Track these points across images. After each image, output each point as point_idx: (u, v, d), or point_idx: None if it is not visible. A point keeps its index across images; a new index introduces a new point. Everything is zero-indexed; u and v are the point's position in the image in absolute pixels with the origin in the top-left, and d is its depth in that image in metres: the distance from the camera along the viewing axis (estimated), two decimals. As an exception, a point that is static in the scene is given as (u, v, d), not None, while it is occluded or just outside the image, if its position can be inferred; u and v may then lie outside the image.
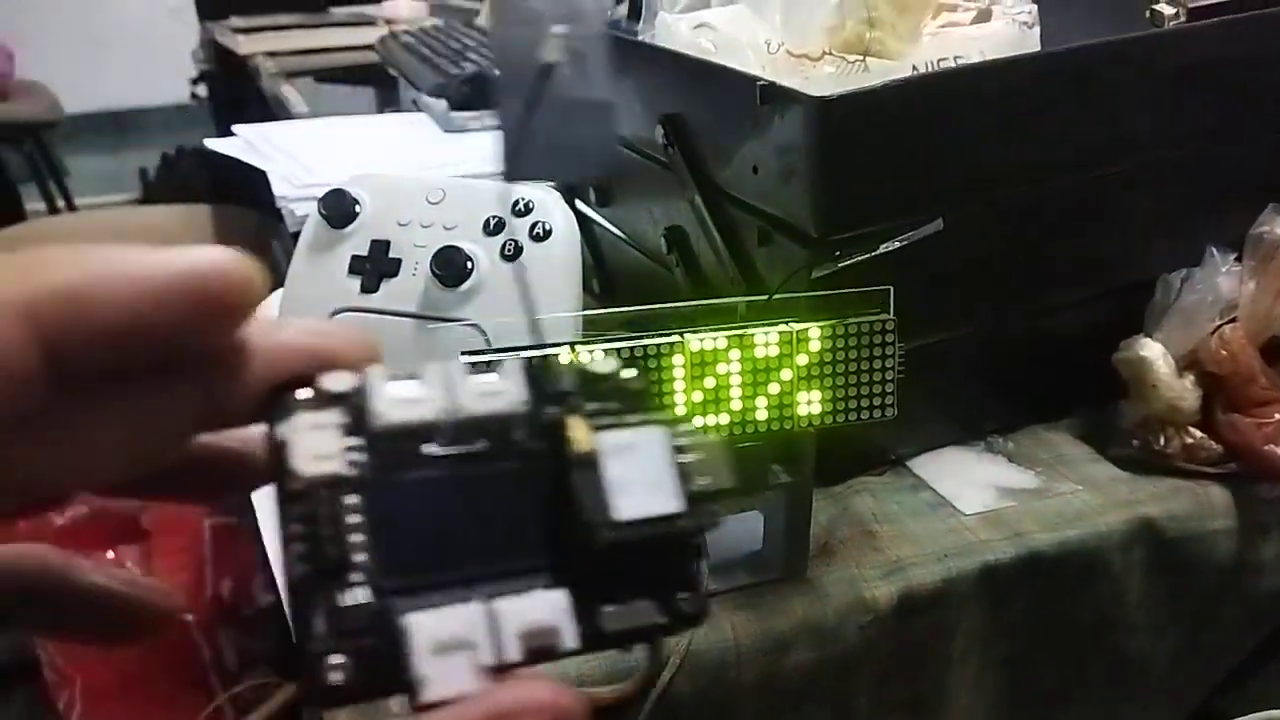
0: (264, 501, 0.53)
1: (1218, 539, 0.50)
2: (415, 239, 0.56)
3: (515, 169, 0.24)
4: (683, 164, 0.52)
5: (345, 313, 0.55)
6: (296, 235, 0.59)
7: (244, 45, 1.60)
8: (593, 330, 0.49)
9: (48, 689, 1.03)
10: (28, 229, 1.91)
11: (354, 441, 0.19)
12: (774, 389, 0.39)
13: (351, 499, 0.19)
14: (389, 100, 1.41)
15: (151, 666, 1.06)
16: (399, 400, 0.20)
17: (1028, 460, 0.53)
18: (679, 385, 0.38)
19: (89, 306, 0.17)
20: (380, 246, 0.56)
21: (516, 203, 0.56)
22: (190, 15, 2.14)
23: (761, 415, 0.39)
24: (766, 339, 0.38)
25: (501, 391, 0.20)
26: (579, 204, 0.70)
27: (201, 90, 2.41)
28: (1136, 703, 0.55)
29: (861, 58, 0.49)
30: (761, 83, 0.42)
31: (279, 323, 0.20)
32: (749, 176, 0.46)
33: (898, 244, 0.38)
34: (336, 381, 0.20)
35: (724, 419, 0.39)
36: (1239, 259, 0.52)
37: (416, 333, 0.54)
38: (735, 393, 0.38)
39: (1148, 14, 0.52)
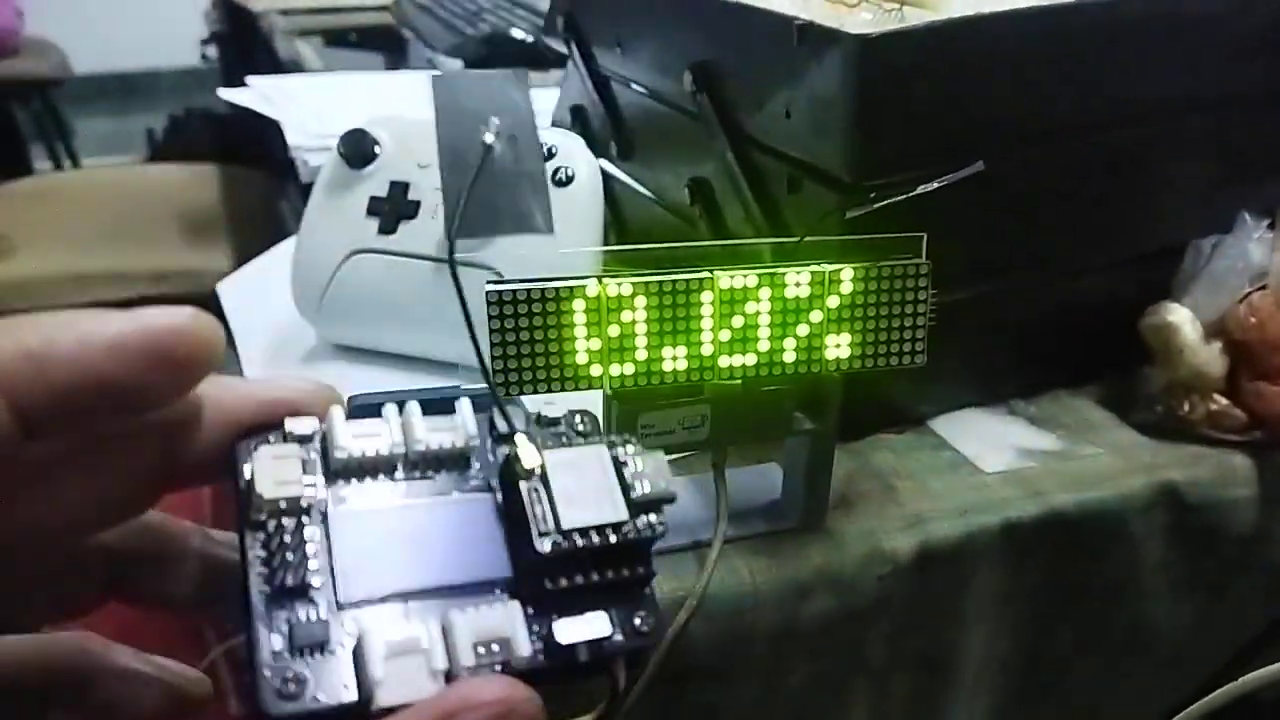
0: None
1: (1239, 507, 0.50)
2: (435, 181, 0.55)
3: (459, 229, 0.29)
4: (712, 112, 0.51)
5: (362, 253, 0.55)
6: (308, 189, 0.59)
7: (257, 1, 1.58)
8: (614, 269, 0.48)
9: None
10: (36, 183, 1.91)
11: (315, 477, 0.21)
12: (803, 330, 0.38)
13: (311, 526, 0.20)
14: (400, 63, 1.40)
15: (150, 621, 1.06)
16: (358, 435, 0.21)
17: (1050, 424, 0.52)
18: (706, 324, 0.37)
19: (51, 365, 0.18)
20: (399, 188, 0.55)
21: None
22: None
23: (789, 357, 0.38)
24: (798, 279, 0.37)
25: (456, 428, 0.22)
26: (599, 160, 0.69)
27: (212, 51, 2.40)
28: (1148, 669, 0.55)
29: (899, 5, 0.48)
30: (799, 22, 0.42)
31: (243, 380, 0.22)
32: (781, 122, 0.46)
33: (937, 184, 0.37)
34: (299, 425, 0.22)
35: (750, 359, 0.38)
36: (1271, 226, 0.52)
37: (434, 275, 0.53)
38: (764, 333, 0.38)
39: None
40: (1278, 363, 0.51)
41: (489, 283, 0.36)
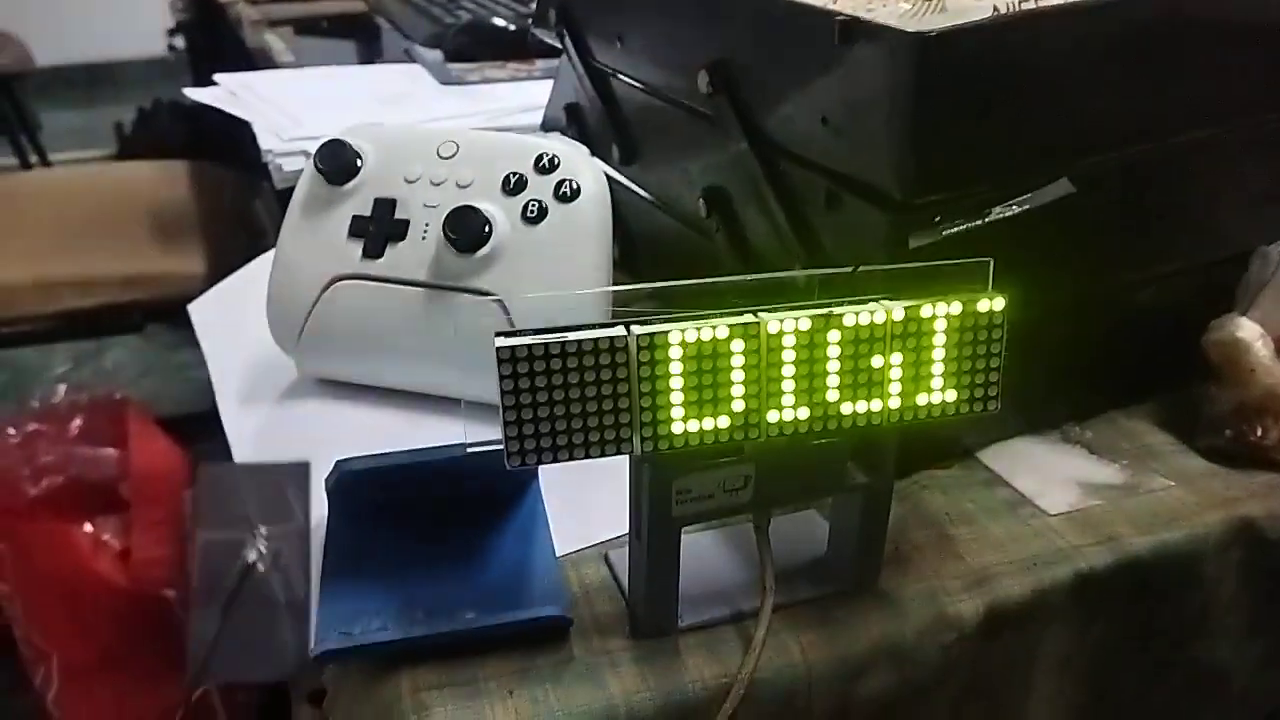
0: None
1: (1321, 541, 0.45)
2: (425, 198, 0.50)
3: (205, 673, 0.26)
4: (732, 116, 0.46)
5: (344, 280, 0.49)
6: (285, 193, 0.53)
7: (223, -9, 1.51)
8: (629, 305, 0.43)
9: (24, 665, 0.99)
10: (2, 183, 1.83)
11: None
12: (863, 379, 0.33)
13: None
14: (374, 52, 1.34)
15: (132, 643, 1.01)
16: None
17: (1110, 451, 0.48)
18: (752, 375, 0.32)
19: None
20: (385, 206, 0.50)
21: (540, 158, 0.49)
22: (167, -39, 2.04)
23: (846, 409, 0.33)
24: (856, 320, 0.32)
25: None
26: (597, 162, 0.63)
27: (179, 41, 2.32)
28: (1214, 708, 0.51)
29: (940, -7, 0.43)
30: (842, 18, 0.36)
31: None
32: (816, 129, 0.40)
33: (1016, 208, 0.32)
34: None
35: (802, 414, 0.33)
36: (1348, 229, 0.47)
37: (427, 304, 0.48)
38: (817, 383, 0.33)
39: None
40: (1357, 380, 0.47)
41: (499, 335, 0.31)
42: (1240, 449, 0.47)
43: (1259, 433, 0.47)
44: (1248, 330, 0.47)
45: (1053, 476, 0.46)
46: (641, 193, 0.61)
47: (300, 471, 0.33)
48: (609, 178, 0.63)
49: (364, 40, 1.40)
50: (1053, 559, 0.41)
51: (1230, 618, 0.47)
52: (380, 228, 0.49)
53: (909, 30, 0.34)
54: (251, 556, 0.29)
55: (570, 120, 0.68)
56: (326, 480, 0.39)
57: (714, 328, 0.31)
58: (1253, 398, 0.47)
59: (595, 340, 0.31)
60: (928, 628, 0.38)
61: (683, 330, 0.31)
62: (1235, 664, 0.49)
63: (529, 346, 0.30)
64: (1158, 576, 0.42)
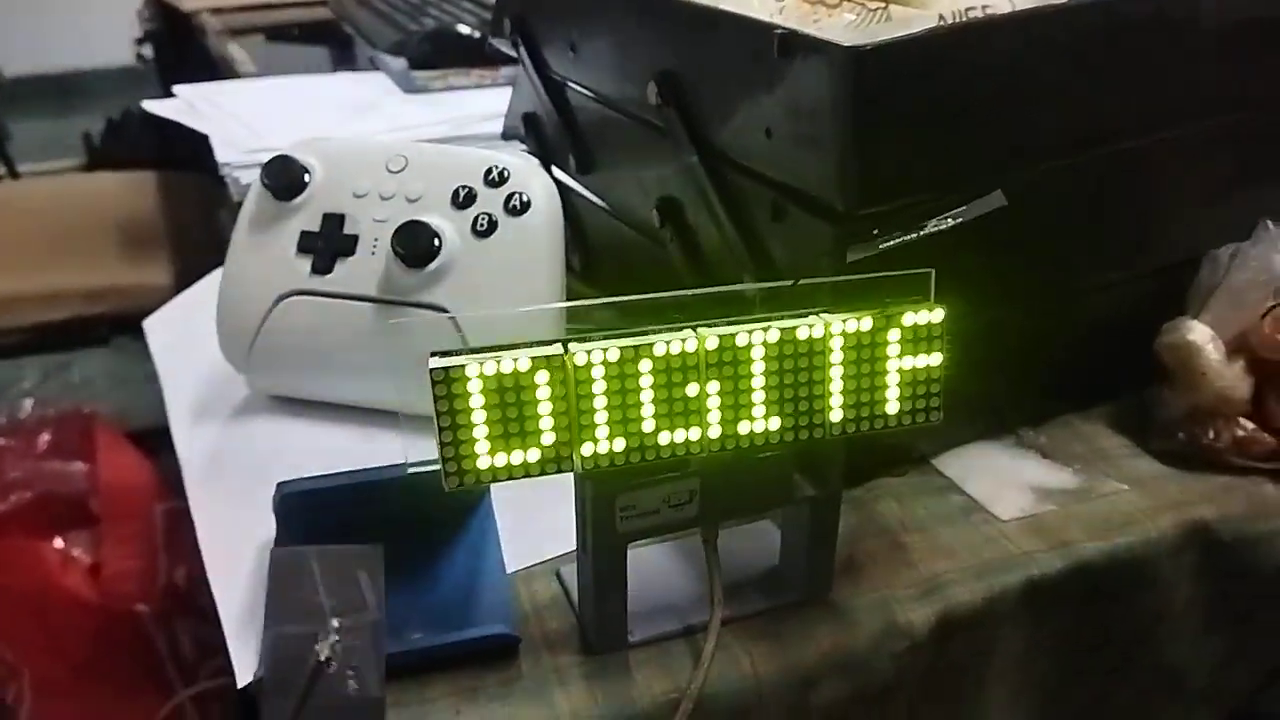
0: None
1: (1275, 541, 0.46)
2: (374, 212, 0.49)
3: None
4: (680, 127, 0.46)
5: (293, 296, 0.49)
6: (241, 207, 0.52)
7: (188, 1, 1.50)
8: (580, 319, 0.43)
9: (-6, 683, 0.97)
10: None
11: None
12: (803, 391, 0.33)
13: None
14: (344, 60, 1.33)
15: (105, 659, 1.00)
16: None
17: (1064, 455, 0.48)
18: (693, 389, 0.32)
19: None
20: (333, 221, 0.49)
21: (489, 171, 0.49)
22: (132, -30, 2.03)
23: (789, 422, 0.33)
24: (797, 333, 0.32)
25: None
26: (555, 171, 0.63)
27: (147, 50, 2.30)
28: (1174, 709, 0.51)
29: (884, 4, 0.43)
30: (781, 32, 0.36)
31: None
32: (761, 141, 0.40)
33: (951, 221, 0.32)
34: None
35: (744, 427, 0.33)
36: (1295, 232, 0.47)
37: (376, 320, 0.47)
38: (759, 396, 0.33)
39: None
40: (1306, 381, 0.47)
41: (433, 355, 0.31)
42: (1193, 451, 0.48)
43: (1211, 435, 0.47)
44: (1199, 333, 0.47)
45: (1006, 482, 0.46)
46: (599, 202, 0.61)
47: (374, 556, 0.33)
48: (568, 187, 0.63)
49: (335, 48, 1.39)
50: (1004, 566, 0.41)
51: (1186, 619, 0.47)
52: (329, 243, 0.49)
53: (845, 44, 0.34)
54: (325, 653, 0.28)
55: (528, 129, 0.68)
56: (273, 502, 0.39)
57: (652, 344, 0.31)
58: (1204, 400, 0.47)
59: (533, 358, 0.31)
60: (879, 637, 0.38)
61: (620, 346, 0.31)
62: (1193, 664, 0.49)
63: (464, 365, 0.30)
64: (1110, 580, 0.43)
